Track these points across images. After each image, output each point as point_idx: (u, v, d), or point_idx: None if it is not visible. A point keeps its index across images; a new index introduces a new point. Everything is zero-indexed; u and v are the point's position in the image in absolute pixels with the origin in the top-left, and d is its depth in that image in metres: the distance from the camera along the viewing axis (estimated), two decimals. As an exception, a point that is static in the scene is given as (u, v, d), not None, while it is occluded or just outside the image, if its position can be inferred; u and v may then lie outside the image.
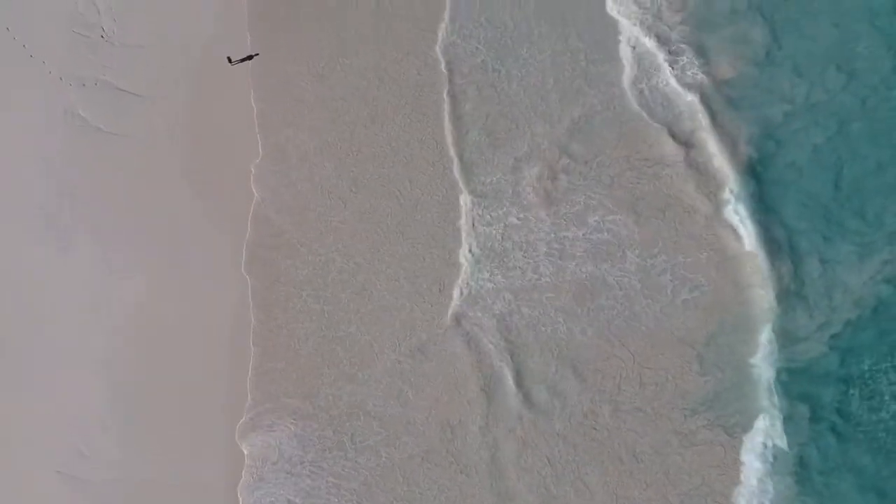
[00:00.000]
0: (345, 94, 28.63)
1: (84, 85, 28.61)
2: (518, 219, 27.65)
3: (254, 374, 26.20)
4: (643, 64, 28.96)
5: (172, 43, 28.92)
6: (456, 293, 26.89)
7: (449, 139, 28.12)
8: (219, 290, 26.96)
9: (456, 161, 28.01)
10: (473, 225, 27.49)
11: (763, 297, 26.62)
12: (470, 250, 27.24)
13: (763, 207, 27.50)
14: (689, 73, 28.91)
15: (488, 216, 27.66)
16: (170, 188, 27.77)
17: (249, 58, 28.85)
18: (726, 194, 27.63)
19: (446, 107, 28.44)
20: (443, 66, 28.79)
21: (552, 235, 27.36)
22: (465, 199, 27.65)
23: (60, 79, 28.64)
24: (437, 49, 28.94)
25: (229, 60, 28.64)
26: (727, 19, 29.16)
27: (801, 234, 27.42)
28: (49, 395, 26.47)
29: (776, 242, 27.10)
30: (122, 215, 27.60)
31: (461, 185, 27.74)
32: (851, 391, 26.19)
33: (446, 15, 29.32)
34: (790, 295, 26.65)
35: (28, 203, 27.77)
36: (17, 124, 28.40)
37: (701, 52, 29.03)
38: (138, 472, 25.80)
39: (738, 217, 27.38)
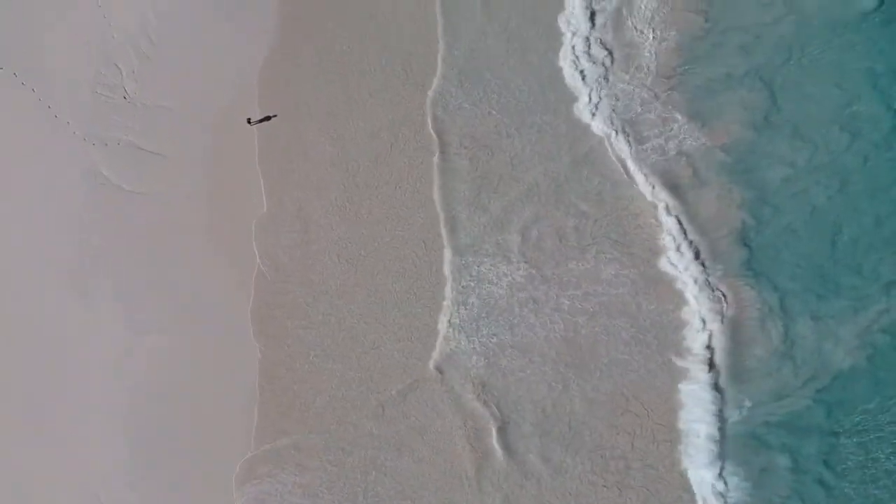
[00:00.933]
0: (357, 156, 29.55)
1: (107, 145, 29.48)
2: (517, 277, 28.51)
3: (258, 434, 27.26)
4: (626, 130, 29.67)
5: (193, 104, 29.81)
6: (442, 348, 27.73)
7: (437, 197, 29.01)
8: (236, 346, 27.84)
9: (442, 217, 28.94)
10: (459, 283, 28.37)
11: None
12: (457, 309, 28.21)
13: (753, 274, 28.18)
14: (679, 141, 29.48)
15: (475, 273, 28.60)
16: (190, 246, 28.72)
17: (268, 118, 29.72)
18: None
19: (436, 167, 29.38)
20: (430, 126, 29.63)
21: (546, 292, 28.24)
22: (448, 255, 28.57)
23: (84, 139, 29.54)
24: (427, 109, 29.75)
25: (249, 121, 29.52)
26: (722, 84, 29.67)
27: (794, 296, 28.08)
28: (71, 446, 27.56)
29: (767, 305, 27.79)
30: (142, 273, 28.53)
31: (446, 241, 28.58)
32: (842, 442, 26.89)
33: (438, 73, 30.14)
34: (778, 356, 27.41)
35: (51, 260, 28.72)
36: (41, 183, 29.35)
37: (693, 118, 29.52)
38: (157, 521, 26.60)
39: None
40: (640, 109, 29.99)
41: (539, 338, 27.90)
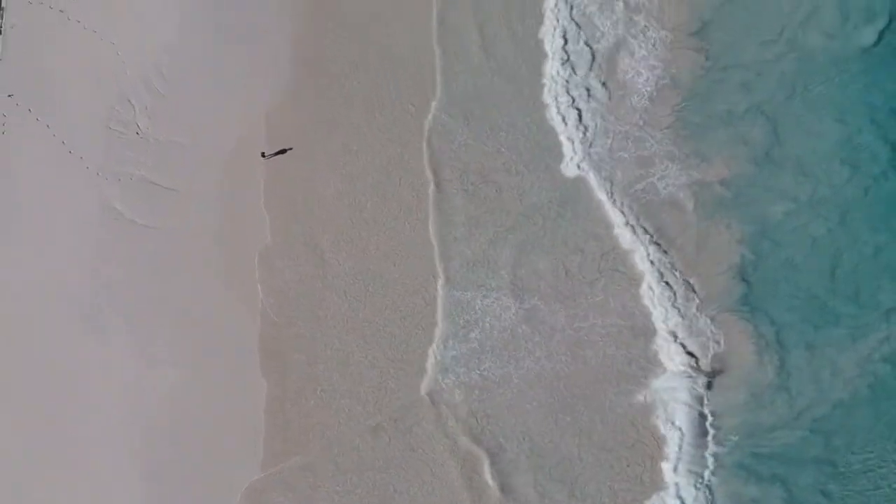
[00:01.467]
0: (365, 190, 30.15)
1: (120, 179, 30.04)
2: (510, 310, 28.96)
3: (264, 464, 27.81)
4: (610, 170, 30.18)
5: (205, 139, 30.40)
6: (432, 380, 28.24)
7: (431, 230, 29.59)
8: (246, 379, 28.35)
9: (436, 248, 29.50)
10: (453, 316, 28.89)
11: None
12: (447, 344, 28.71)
13: (749, 309, 28.51)
14: (674, 178, 29.86)
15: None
16: (201, 280, 29.23)
17: (283, 151, 30.28)
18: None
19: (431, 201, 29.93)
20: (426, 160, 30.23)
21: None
22: (441, 288, 29.06)
23: (97, 173, 30.10)
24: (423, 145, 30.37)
25: (263, 155, 30.08)
26: (722, 121, 30.13)
27: (790, 327, 28.38)
28: (86, 480, 27.89)
29: (763, 339, 28.12)
30: (155, 307, 29.03)
31: (440, 273, 29.10)
32: (840, 471, 27.10)
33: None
34: (772, 389, 27.72)
35: (65, 294, 29.20)
36: (55, 217, 29.88)
37: (690, 155, 29.92)
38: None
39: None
40: (632, 148, 30.24)
41: (532, 371, 28.29)
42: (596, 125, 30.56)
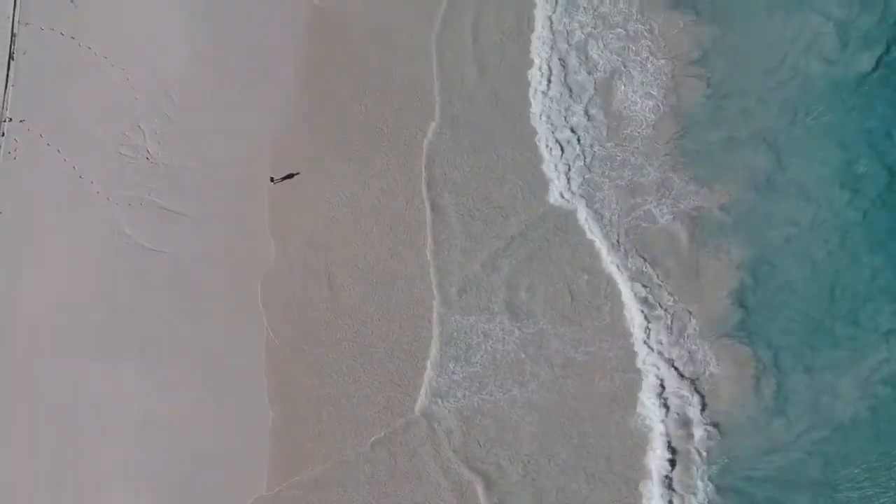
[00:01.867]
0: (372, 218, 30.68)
1: (130, 204, 30.44)
2: (505, 335, 29.36)
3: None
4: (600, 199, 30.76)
5: (214, 164, 30.84)
6: (429, 403, 28.64)
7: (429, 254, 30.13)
8: (255, 403, 28.69)
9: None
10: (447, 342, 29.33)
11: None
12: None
13: (746, 333, 28.89)
14: (671, 205, 30.33)
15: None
16: (212, 305, 29.60)
17: (290, 176, 30.72)
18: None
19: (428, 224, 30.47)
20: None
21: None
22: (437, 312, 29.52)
23: (108, 198, 30.49)
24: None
25: (272, 180, 30.53)
26: (723, 147, 30.62)
27: (788, 350, 28.73)
28: None
29: (761, 363, 28.50)
30: (166, 332, 29.34)
31: (435, 296, 29.55)
32: (839, 496, 27.38)
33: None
34: (768, 413, 28.06)
35: (77, 319, 29.50)
36: (66, 242, 30.21)
37: (689, 181, 30.36)
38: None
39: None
40: (629, 176, 30.68)
41: (529, 397, 28.66)
42: (591, 154, 31.04)
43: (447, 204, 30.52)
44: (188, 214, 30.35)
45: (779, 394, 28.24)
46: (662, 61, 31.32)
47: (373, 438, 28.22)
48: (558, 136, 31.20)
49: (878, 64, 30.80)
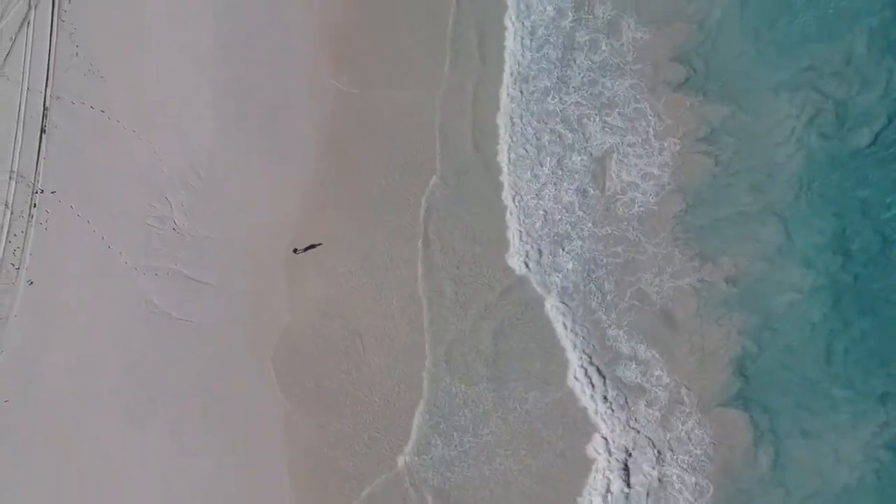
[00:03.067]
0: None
1: (157, 274, 31.49)
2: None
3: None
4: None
5: (239, 235, 31.94)
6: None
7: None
8: (277, 469, 29.72)
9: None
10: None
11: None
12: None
13: (743, 401, 29.84)
14: (673, 278, 31.31)
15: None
16: (235, 372, 30.68)
17: (313, 246, 31.78)
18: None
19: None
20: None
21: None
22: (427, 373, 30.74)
23: (135, 268, 31.49)
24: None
25: (295, 251, 31.59)
26: (731, 222, 31.57)
27: (785, 414, 29.69)
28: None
29: (759, 430, 29.47)
30: (191, 398, 30.42)
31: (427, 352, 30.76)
32: None
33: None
34: (765, 483, 29.03)
35: (105, 385, 30.62)
36: (94, 311, 31.30)
37: (697, 256, 31.34)
38: None
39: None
40: (631, 253, 31.56)
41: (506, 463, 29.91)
42: (587, 234, 32.11)
43: (440, 265, 31.65)
44: (212, 284, 31.41)
45: (777, 463, 29.12)
46: (670, 140, 32.27)
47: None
48: (546, 215, 32.36)
49: (876, 138, 31.71)
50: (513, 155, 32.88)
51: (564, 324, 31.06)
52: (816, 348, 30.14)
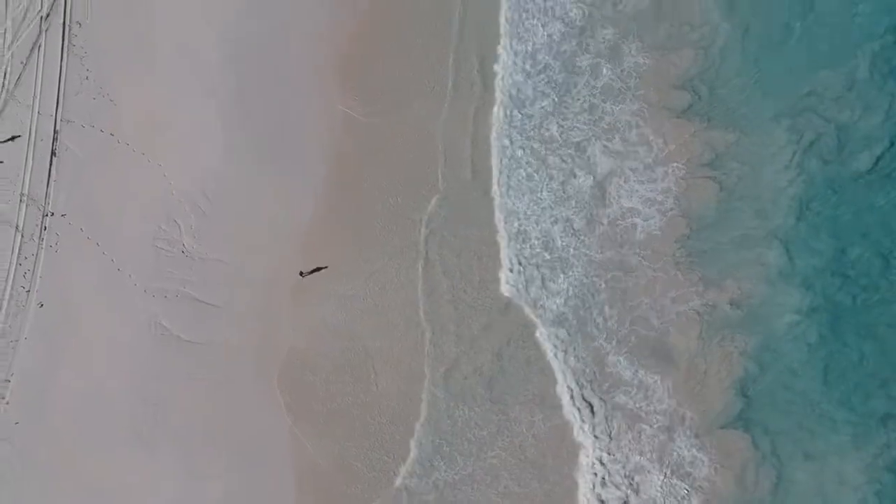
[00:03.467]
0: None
1: (166, 297, 31.82)
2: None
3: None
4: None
5: (247, 258, 32.25)
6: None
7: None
8: (288, 490, 29.90)
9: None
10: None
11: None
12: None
13: (744, 424, 30.06)
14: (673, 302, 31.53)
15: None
16: (245, 395, 30.98)
17: (319, 269, 32.11)
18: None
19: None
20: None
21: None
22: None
23: (145, 291, 31.83)
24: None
25: (301, 274, 31.93)
26: (735, 245, 31.84)
27: (786, 436, 29.89)
28: None
29: (760, 451, 29.70)
30: (201, 420, 30.71)
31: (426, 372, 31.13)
32: None
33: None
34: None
35: (115, 408, 30.88)
36: (104, 333, 31.56)
37: (700, 280, 31.56)
38: None
39: None
40: (635, 279, 31.71)
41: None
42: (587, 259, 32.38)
43: (441, 293, 31.99)
44: (220, 306, 31.74)
45: (778, 488, 29.31)
46: (674, 165, 32.58)
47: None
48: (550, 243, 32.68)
49: (876, 162, 32.08)
50: (512, 179, 33.26)
51: (555, 353, 31.34)
52: (817, 370, 30.37)
